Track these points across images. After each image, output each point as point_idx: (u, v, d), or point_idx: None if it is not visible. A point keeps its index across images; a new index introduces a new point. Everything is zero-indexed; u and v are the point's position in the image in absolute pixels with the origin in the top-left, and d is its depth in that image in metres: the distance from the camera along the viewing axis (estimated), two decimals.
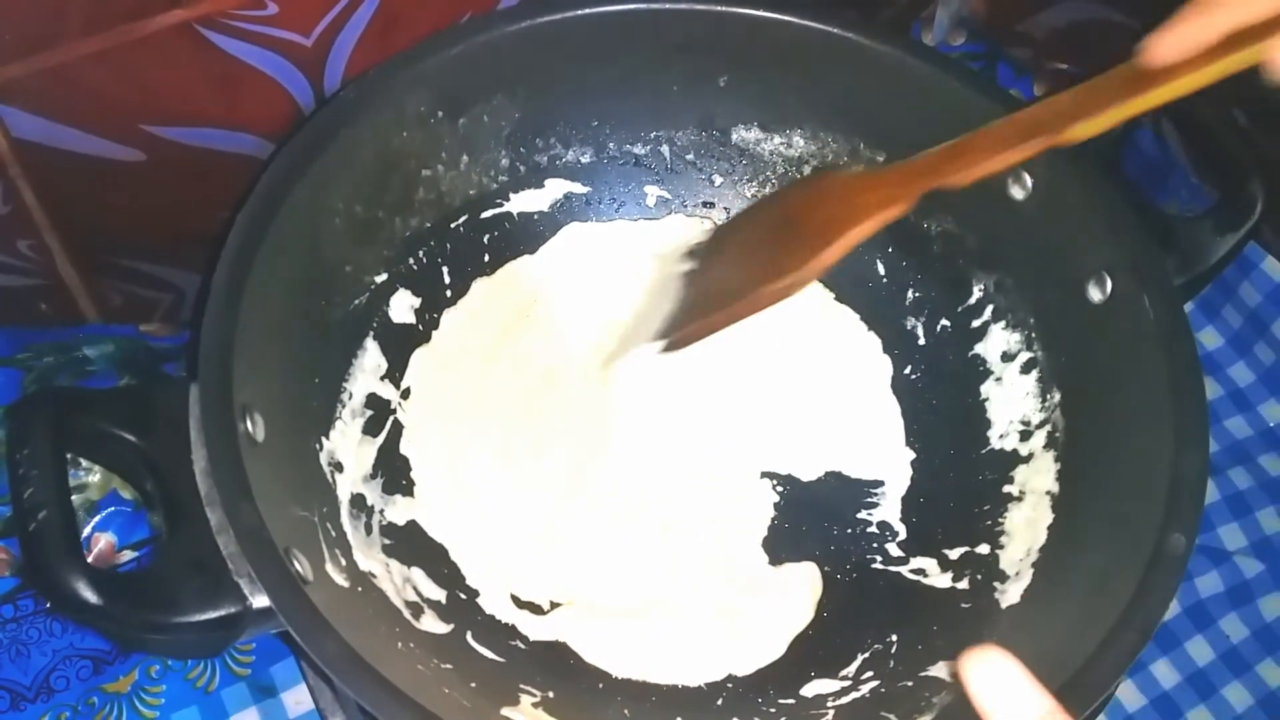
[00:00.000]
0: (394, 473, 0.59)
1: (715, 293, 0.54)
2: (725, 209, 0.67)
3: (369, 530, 0.55)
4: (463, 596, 0.56)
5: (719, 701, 0.55)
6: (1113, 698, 0.50)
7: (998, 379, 0.62)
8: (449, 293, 0.63)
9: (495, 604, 0.56)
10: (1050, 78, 0.79)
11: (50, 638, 0.57)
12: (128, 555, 0.59)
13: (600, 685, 0.55)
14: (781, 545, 0.60)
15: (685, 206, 0.68)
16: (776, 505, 0.61)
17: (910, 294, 0.65)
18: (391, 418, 0.60)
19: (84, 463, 0.59)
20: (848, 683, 0.55)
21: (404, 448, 0.59)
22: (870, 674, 0.55)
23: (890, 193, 0.50)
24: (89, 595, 0.42)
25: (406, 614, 0.53)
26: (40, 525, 0.42)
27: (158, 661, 0.57)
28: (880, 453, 0.63)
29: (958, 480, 0.61)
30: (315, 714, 0.58)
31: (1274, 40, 0.40)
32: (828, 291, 0.66)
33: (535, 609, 0.57)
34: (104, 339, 0.63)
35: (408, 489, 0.58)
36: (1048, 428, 0.58)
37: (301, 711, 0.58)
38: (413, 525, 0.58)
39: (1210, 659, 0.66)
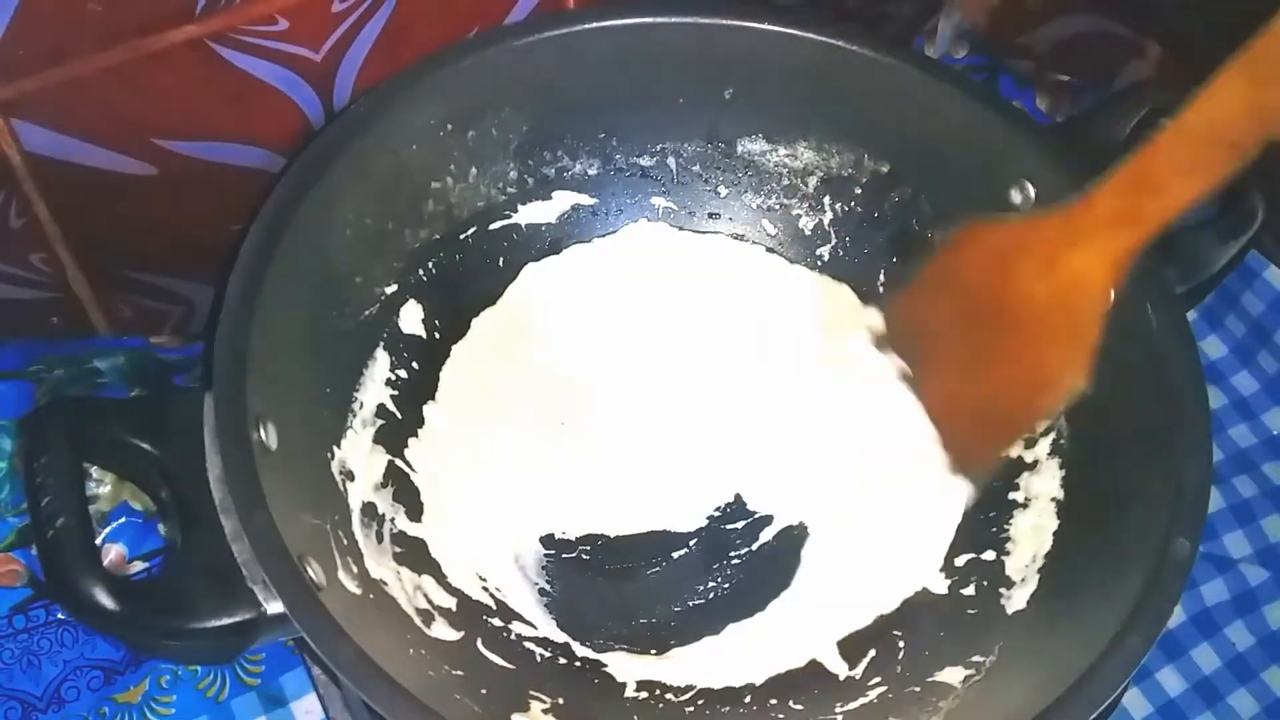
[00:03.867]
0: (403, 483, 0.59)
1: (968, 402, 0.52)
2: (730, 219, 0.68)
3: (380, 538, 0.56)
4: (473, 604, 0.57)
5: (728, 708, 0.55)
6: (1119, 704, 0.50)
7: None
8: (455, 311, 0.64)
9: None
10: (1052, 90, 0.79)
11: (61, 648, 0.57)
12: (138, 566, 0.59)
13: (611, 691, 0.55)
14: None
15: (692, 218, 0.68)
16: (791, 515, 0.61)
17: None
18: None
19: (94, 474, 0.59)
20: (855, 688, 0.55)
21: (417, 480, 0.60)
22: (877, 679, 0.55)
23: (1099, 251, 0.45)
24: (107, 602, 0.42)
25: (417, 621, 0.53)
26: (58, 533, 0.43)
27: (168, 671, 0.58)
28: None
29: None
30: None
31: None
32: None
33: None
34: (114, 351, 0.63)
35: (415, 503, 0.59)
36: (1052, 435, 0.58)
37: None
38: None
39: (1216, 666, 0.66)
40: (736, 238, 0.68)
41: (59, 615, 0.57)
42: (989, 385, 0.52)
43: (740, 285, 0.67)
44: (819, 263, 0.67)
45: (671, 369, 0.65)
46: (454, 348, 0.63)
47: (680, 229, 0.68)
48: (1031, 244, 0.48)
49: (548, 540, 0.60)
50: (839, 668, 0.56)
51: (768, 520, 0.61)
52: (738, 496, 0.62)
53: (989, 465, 0.55)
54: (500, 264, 0.65)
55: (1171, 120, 0.42)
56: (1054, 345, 0.48)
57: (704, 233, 0.68)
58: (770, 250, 0.68)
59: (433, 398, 0.62)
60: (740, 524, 0.61)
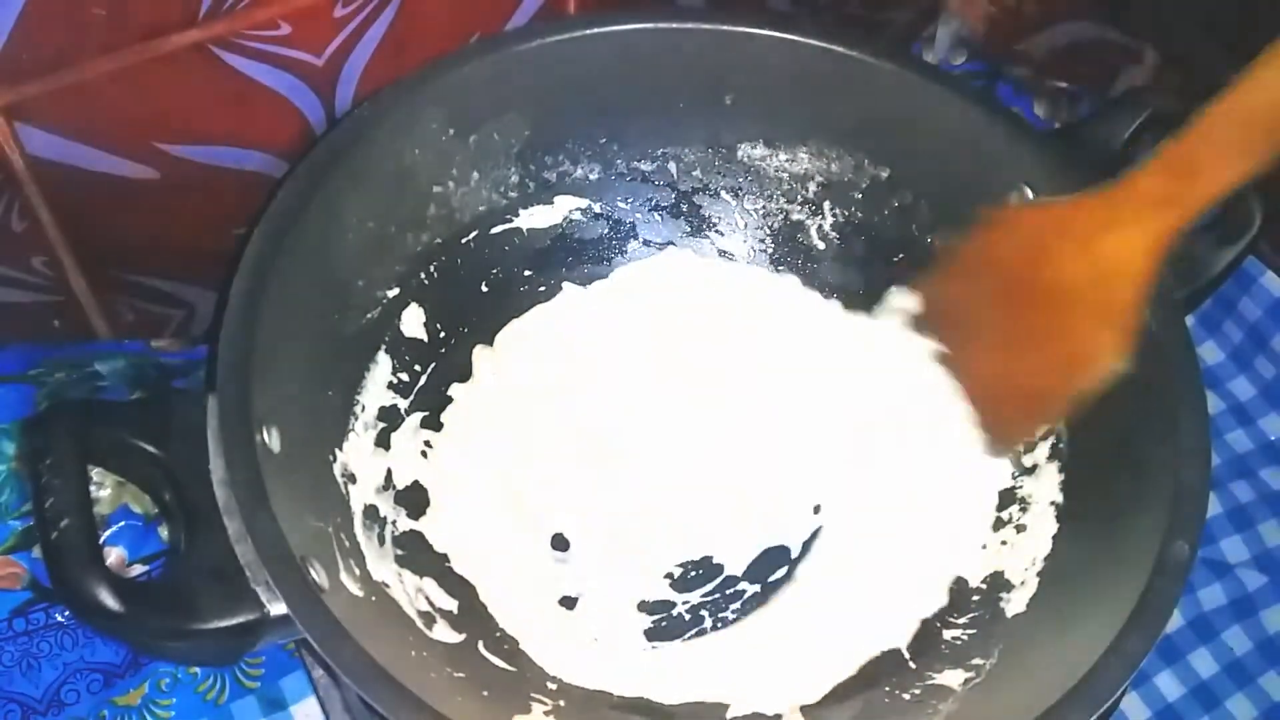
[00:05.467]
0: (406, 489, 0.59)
1: (1006, 381, 0.53)
2: (730, 224, 0.68)
3: (382, 541, 0.56)
4: (474, 607, 0.57)
5: (727, 714, 0.55)
6: (1117, 709, 0.50)
7: None
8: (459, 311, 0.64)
9: (508, 619, 0.57)
10: (1050, 97, 0.80)
11: (61, 651, 0.57)
12: (138, 569, 0.59)
13: (612, 697, 0.55)
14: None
15: (693, 223, 0.68)
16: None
17: None
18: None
19: (95, 477, 0.59)
20: (857, 691, 0.56)
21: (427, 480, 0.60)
22: (878, 682, 0.56)
23: (1142, 230, 0.45)
24: (111, 603, 0.42)
25: (419, 623, 0.54)
26: (62, 534, 0.43)
27: (168, 674, 0.58)
28: None
29: None
30: None
31: None
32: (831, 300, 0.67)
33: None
34: (115, 355, 0.64)
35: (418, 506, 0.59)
36: (1051, 439, 0.59)
37: None
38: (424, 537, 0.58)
39: (1214, 671, 0.66)
40: (736, 242, 0.68)
41: (59, 618, 0.57)
42: (1027, 364, 0.52)
43: (745, 297, 0.68)
44: (819, 265, 0.68)
45: (682, 379, 0.65)
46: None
47: (683, 235, 0.68)
48: (1072, 225, 0.48)
49: (558, 542, 0.60)
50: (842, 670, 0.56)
51: (788, 527, 0.61)
52: (749, 501, 0.62)
53: (1023, 443, 0.56)
54: (501, 268, 0.65)
55: (1214, 103, 0.42)
56: (1093, 325, 0.48)
57: (705, 236, 0.68)
58: (771, 257, 0.68)
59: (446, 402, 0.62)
60: (756, 530, 0.61)
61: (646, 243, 0.68)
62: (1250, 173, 0.42)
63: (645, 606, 0.58)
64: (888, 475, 0.60)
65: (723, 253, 0.69)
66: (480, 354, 0.64)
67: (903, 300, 0.58)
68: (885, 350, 0.59)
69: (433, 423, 0.62)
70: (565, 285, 0.66)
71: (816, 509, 0.61)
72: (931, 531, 0.59)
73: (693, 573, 0.59)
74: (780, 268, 0.68)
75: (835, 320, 0.67)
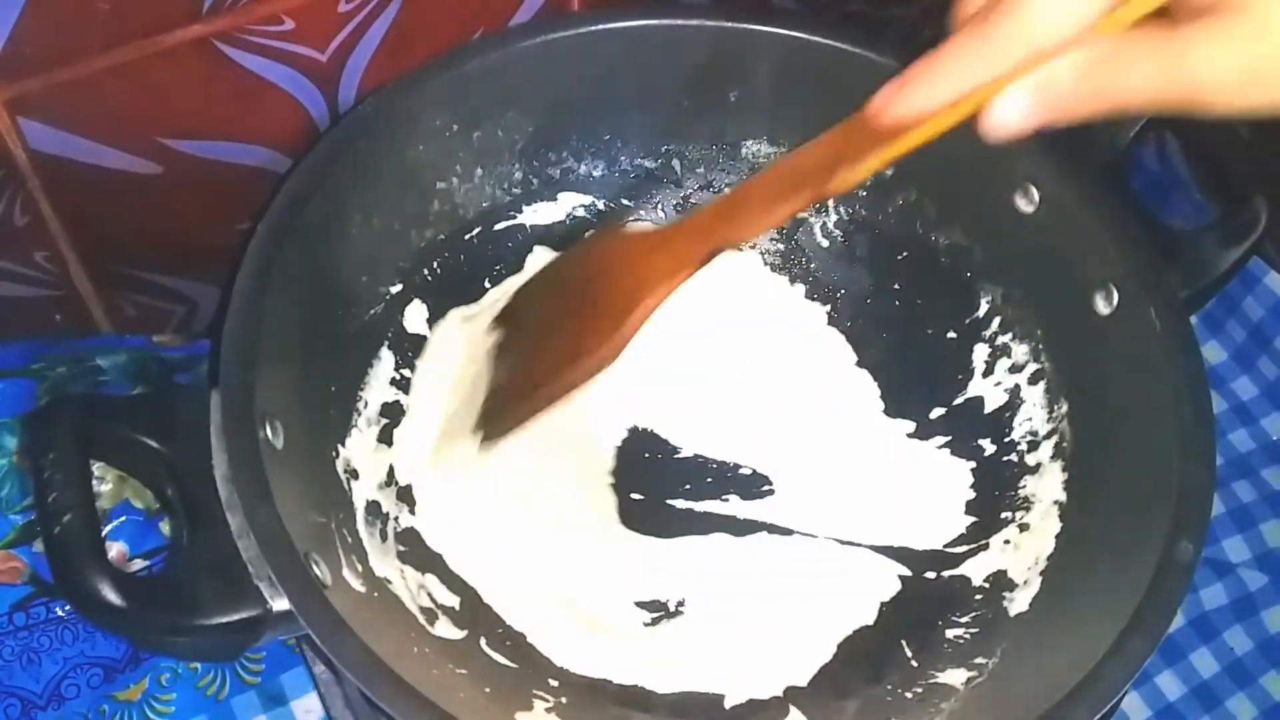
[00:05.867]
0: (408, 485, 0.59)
1: (524, 374, 0.53)
2: None
3: (384, 537, 0.56)
4: (476, 603, 0.57)
5: (727, 708, 0.55)
6: (1118, 708, 0.50)
7: (1006, 390, 0.62)
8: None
9: (510, 613, 0.57)
10: None
11: (62, 645, 0.57)
12: (139, 564, 0.59)
13: (613, 691, 0.55)
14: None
15: None
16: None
17: (918, 305, 0.65)
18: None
19: (96, 472, 0.59)
20: (858, 689, 0.56)
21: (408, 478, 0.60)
22: (880, 680, 0.56)
23: (675, 257, 0.48)
24: (113, 598, 0.42)
25: (421, 619, 0.54)
26: (65, 529, 0.43)
27: (168, 669, 0.58)
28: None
29: None
30: None
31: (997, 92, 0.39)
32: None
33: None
34: (117, 350, 0.63)
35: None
36: (1055, 438, 0.59)
37: None
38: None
39: (1215, 671, 0.66)
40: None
41: (59, 613, 0.57)
42: (540, 355, 0.53)
43: (738, 293, 0.68)
44: (823, 262, 0.68)
45: (674, 369, 0.65)
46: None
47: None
48: (631, 245, 0.51)
49: (549, 533, 0.60)
50: (843, 670, 0.56)
51: (772, 512, 0.61)
52: (739, 483, 0.62)
53: (503, 434, 0.54)
54: (505, 265, 0.65)
55: (758, 173, 0.47)
56: (600, 325, 0.50)
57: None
58: (774, 257, 0.68)
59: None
60: (743, 515, 0.61)
61: None
62: (776, 223, 0.51)
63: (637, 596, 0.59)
64: (842, 457, 0.62)
65: None
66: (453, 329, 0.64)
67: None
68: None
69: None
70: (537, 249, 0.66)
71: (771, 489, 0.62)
72: (890, 514, 0.61)
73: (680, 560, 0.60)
74: (779, 269, 0.68)
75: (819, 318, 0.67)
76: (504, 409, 0.53)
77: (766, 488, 0.62)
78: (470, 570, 0.58)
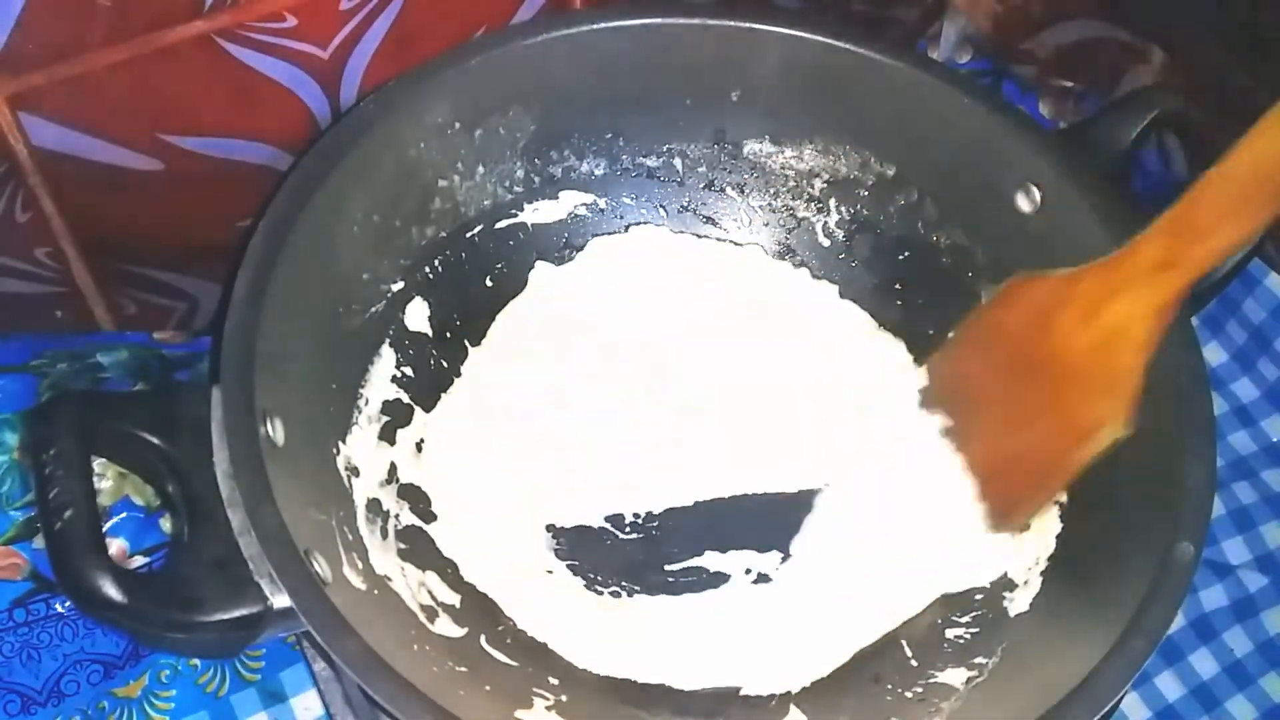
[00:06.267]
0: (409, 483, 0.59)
1: (1017, 457, 0.52)
2: (735, 221, 0.68)
3: (384, 534, 0.56)
4: (476, 601, 0.57)
5: (730, 705, 0.55)
6: (1118, 709, 0.50)
7: None
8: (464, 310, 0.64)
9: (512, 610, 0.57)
10: (1056, 96, 0.79)
11: (61, 642, 0.57)
12: (139, 561, 0.59)
13: (613, 689, 0.55)
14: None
15: (698, 219, 0.68)
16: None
17: (918, 305, 0.65)
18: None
19: (96, 469, 0.59)
20: (858, 688, 0.56)
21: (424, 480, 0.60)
22: (880, 680, 0.56)
23: (1139, 296, 0.45)
24: (114, 594, 0.42)
25: (421, 617, 0.54)
26: (66, 524, 0.43)
27: (168, 666, 0.58)
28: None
29: None
30: (325, 719, 0.58)
31: None
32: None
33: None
34: (117, 346, 0.64)
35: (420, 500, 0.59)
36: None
37: (311, 717, 0.58)
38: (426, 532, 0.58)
39: (1214, 672, 0.66)
40: (741, 240, 0.68)
41: (59, 609, 0.57)
42: (1031, 438, 0.52)
43: (746, 291, 0.67)
44: (821, 263, 0.67)
45: (678, 369, 0.65)
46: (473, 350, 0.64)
47: (684, 231, 0.68)
48: (1075, 295, 0.48)
49: (554, 530, 0.60)
50: (841, 668, 0.56)
51: (781, 515, 0.61)
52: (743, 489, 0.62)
53: (1029, 518, 0.55)
54: (506, 263, 0.65)
55: (1215, 165, 0.42)
56: (1095, 393, 0.48)
57: (707, 237, 0.68)
58: (776, 254, 0.68)
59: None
60: (750, 520, 0.61)
61: None
62: (1251, 235, 0.42)
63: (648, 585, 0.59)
64: (882, 463, 0.61)
65: None
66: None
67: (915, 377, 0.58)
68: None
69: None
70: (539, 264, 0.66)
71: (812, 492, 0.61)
72: (924, 521, 0.59)
73: (693, 560, 0.60)
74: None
75: (832, 302, 0.67)
76: (1012, 495, 0.52)
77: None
78: (487, 581, 0.58)
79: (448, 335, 0.63)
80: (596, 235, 0.67)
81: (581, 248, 0.67)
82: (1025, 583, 0.56)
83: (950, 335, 0.56)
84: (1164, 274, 0.45)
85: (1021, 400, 0.51)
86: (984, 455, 0.55)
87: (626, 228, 0.67)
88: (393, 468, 0.59)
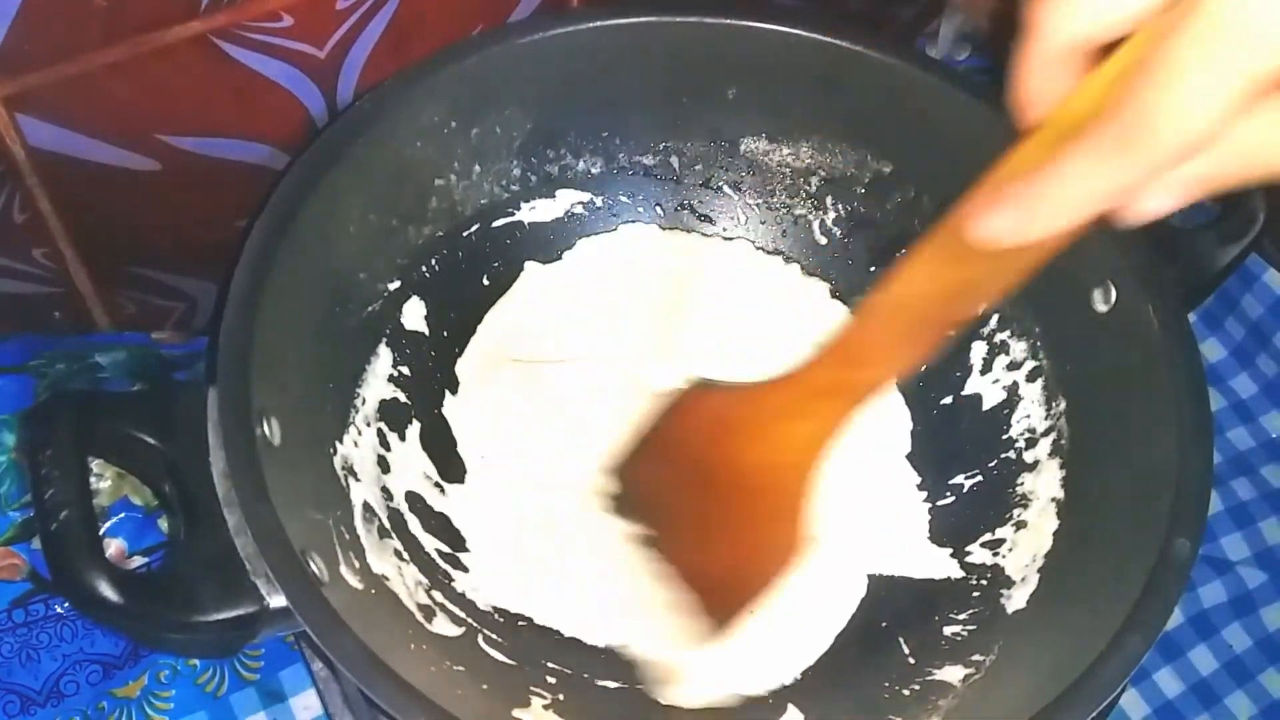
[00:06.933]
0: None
1: (694, 573, 0.50)
2: (732, 219, 0.68)
3: (381, 534, 0.56)
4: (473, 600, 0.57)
5: (724, 707, 0.55)
6: (1116, 705, 0.50)
7: (1004, 387, 0.62)
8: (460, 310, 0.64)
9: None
10: None
11: (60, 642, 0.57)
12: (138, 560, 0.59)
13: (611, 689, 0.55)
14: None
15: (695, 217, 0.68)
16: None
17: None
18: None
19: (95, 469, 0.60)
20: (855, 686, 0.56)
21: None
22: (878, 677, 0.56)
23: (811, 417, 0.43)
24: (110, 594, 0.42)
25: (419, 616, 0.54)
26: (62, 525, 0.43)
27: (167, 666, 0.58)
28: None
29: None
30: (324, 719, 0.58)
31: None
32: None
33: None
34: (116, 346, 0.64)
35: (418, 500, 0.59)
36: (1053, 435, 0.59)
37: (310, 717, 0.58)
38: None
39: (1214, 668, 0.66)
40: (738, 238, 0.68)
41: (58, 609, 0.57)
42: (725, 549, 0.50)
43: (743, 289, 0.67)
44: (821, 262, 0.68)
45: (662, 366, 0.64)
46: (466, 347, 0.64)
47: (681, 229, 0.68)
48: (744, 413, 0.46)
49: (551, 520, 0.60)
50: (839, 667, 0.56)
51: None
52: None
53: (733, 623, 0.51)
54: (503, 261, 0.65)
55: (876, 291, 0.40)
56: (771, 514, 0.47)
57: (706, 235, 0.68)
58: (772, 252, 0.68)
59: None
60: None
61: None
62: (918, 359, 0.41)
63: None
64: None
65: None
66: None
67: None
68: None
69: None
70: (527, 265, 0.66)
71: None
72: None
73: None
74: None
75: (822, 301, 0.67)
76: (716, 601, 0.50)
77: None
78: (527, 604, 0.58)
79: (445, 334, 0.63)
80: (592, 234, 0.67)
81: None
82: (1023, 580, 0.56)
83: (630, 442, 0.52)
84: (830, 399, 0.43)
85: (710, 511, 0.49)
86: (684, 563, 0.51)
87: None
88: (390, 467, 0.59)
